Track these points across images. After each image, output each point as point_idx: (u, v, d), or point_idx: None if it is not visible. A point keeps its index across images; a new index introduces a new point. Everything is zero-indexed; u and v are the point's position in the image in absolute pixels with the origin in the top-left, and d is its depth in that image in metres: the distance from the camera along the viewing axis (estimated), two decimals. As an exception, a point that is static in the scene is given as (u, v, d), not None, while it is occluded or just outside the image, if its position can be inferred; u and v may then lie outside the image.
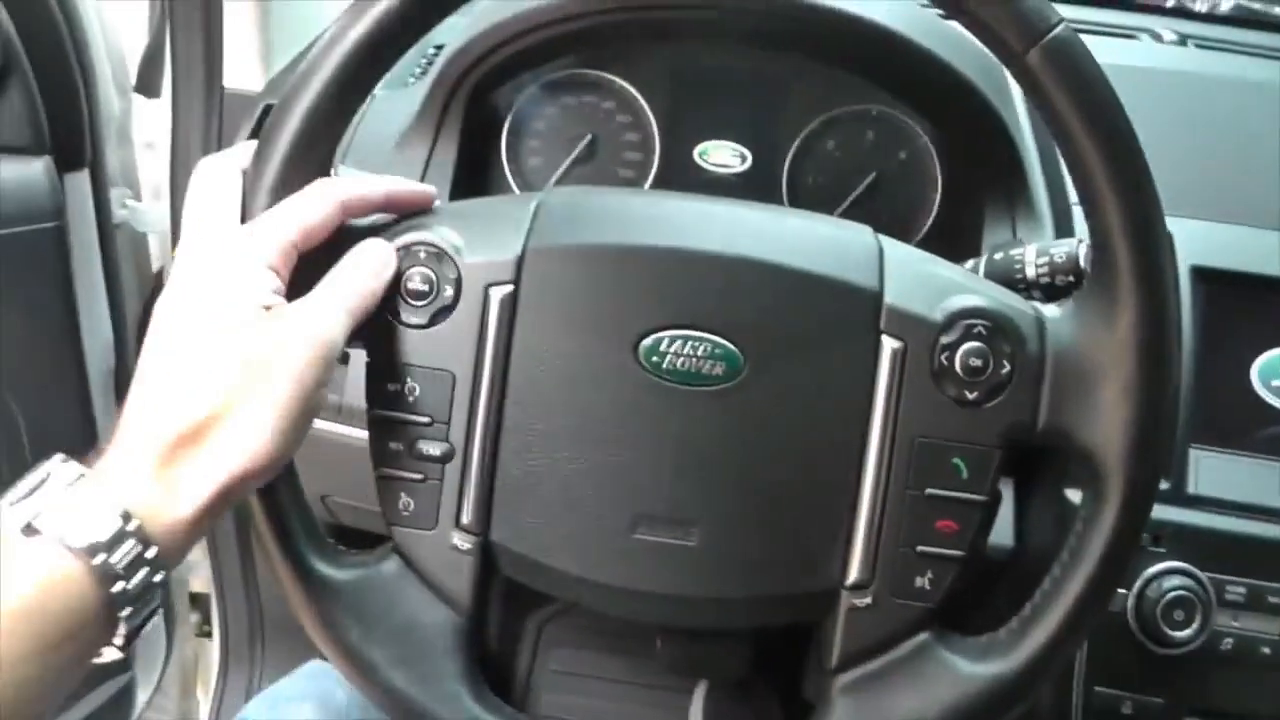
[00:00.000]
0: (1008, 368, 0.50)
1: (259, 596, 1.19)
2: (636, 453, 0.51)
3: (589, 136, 0.82)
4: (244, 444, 0.45)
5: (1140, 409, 0.49)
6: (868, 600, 0.51)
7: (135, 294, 1.16)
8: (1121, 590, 0.71)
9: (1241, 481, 0.73)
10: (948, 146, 0.81)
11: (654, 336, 0.50)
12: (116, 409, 1.12)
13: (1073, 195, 0.76)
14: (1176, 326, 0.51)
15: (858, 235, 0.53)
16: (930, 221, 0.82)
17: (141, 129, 1.16)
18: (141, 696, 1.16)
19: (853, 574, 0.51)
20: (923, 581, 0.51)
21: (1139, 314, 0.48)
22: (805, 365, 0.51)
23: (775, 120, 0.83)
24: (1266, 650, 0.71)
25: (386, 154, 0.80)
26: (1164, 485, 0.72)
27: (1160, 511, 0.71)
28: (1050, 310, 0.52)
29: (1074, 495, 0.71)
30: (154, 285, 1.21)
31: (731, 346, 0.50)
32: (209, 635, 1.26)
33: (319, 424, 0.82)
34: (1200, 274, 0.74)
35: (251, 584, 1.17)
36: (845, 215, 0.81)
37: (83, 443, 1.03)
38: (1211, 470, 0.73)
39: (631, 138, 0.83)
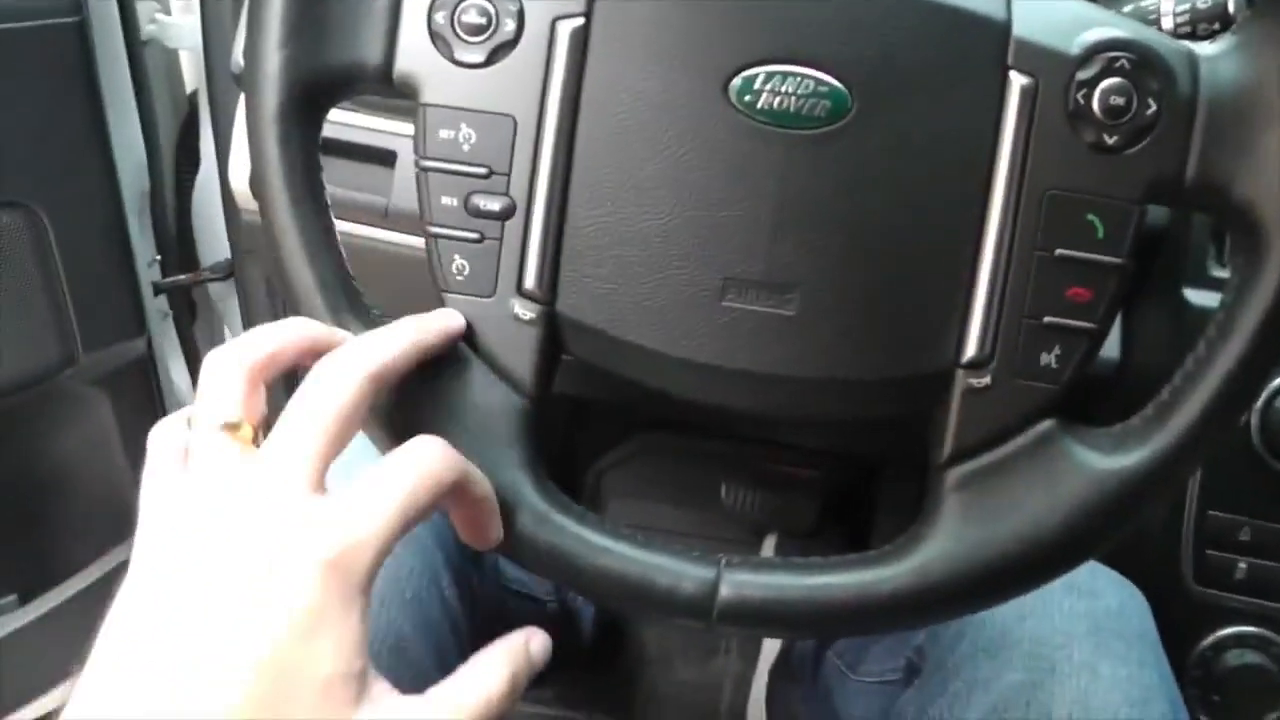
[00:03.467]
0: (1154, 107, 0.43)
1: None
2: (727, 205, 0.44)
3: None
4: None
5: None
6: (986, 380, 0.44)
7: (170, 115, 1.11)
8: (1244, 400, 0.65)
9: None
10: None
11: (748, 73, 0.43)
12: (150, 235, 1.09)
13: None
14: None
15: None
16: None
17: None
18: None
19: (970, 349, 0.44)
20: (1049, 359, 0.44)
21: None
22: (921, 106, 0.44)
23: None
24: (1399, 468, 0.65)
25: None
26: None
27: (1291, 315, 0.65)
28: (1205, 46, 0.45)
29: (1196, 295, 0.64)
30: (189, 108, 1.15)
31: (836, 83, 0.43)
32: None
33: (364, 231, 0.77)
34: None
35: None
36: None
37: (116, 267, 1.02)
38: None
39: None
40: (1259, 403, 0.64)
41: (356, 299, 0.48)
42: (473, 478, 0.40)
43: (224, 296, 1.17)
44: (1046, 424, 0.45)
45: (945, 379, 0.45)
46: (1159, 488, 0.44)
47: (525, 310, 0.46)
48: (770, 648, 1.04)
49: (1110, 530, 0.44)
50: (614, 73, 0.45)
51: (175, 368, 1.13)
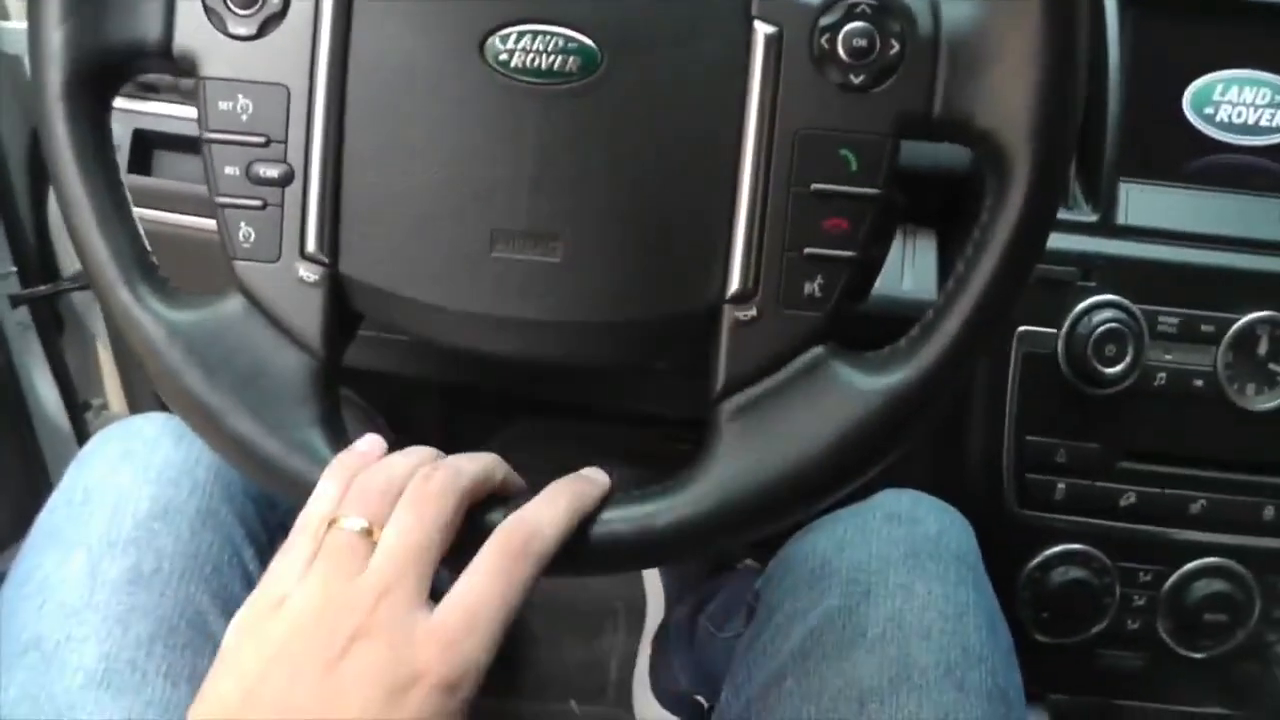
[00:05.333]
0: (897, 47, 0.45)
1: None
2: (489, 161, 0.46)
3: None
4: None
5: (1045, 80, 0.44)
6: (752, 313, 0.47)
7: (20, 121, 1.09)
8: (1051, 329, 0.68)
9: (1173, 210, 0.69)
10: None
11: (501, 32, 0.45)
12: (4, 245, 1.07)
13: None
14: None
15: None
16: None
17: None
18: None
19: (734, 284, 0.46)
20: (812, 288, 0.46)
21: None
22: (669, 57, 0.46)
23: None
24: (1199, 383, 0.69)
25: None
26: (1092, 217, 0.68)
27: (1089, 244, 0.68)
28: None
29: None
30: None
31: (586, 39, 0.45)
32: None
33: (195, 222, 0.77)
34: (1129, 0, 0.69)
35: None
36: None
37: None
38: (1142, 201, 0.69)
39: None
40: (1064, 329, 0.67)
41: (151, 271, 0.48)
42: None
43: (88, 305, 1.15)
44: (816, 351, 0.47)
45: (713, 314, 0.47)
46: (924, 403, 0.46)
47: (309, 273, 0.47)
48: (652, 620, 1.06)
49: (881, 448, 0.47)
50: (378, 38, 0.46)
51: (41, 380, 1.11)
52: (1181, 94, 0.71)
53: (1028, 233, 0.46)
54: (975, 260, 0.46)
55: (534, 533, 0.43)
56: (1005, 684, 0.56)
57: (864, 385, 0.46)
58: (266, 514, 0.62)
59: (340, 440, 0.48)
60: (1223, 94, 0.71)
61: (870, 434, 0.46)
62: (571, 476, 0.46)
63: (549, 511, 0.44)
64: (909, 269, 0.69)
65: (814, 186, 0.46)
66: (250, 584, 0.59)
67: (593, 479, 0.47)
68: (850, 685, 0.53)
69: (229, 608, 0.56)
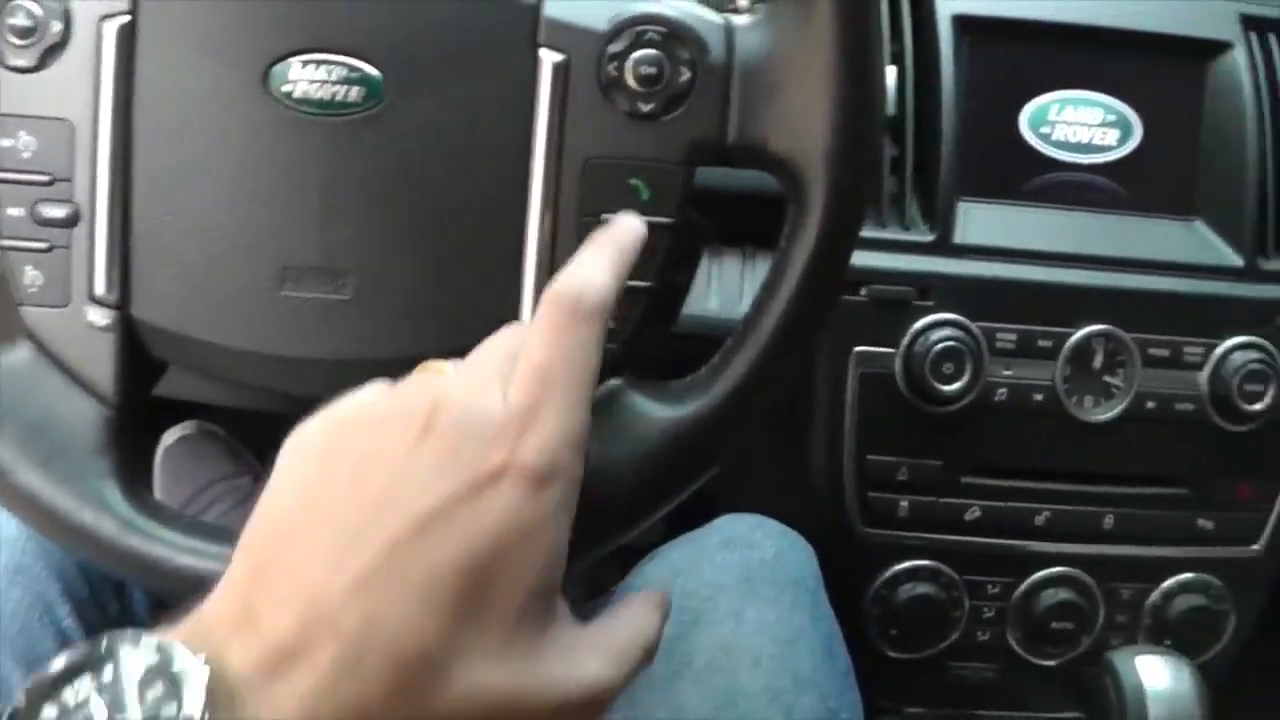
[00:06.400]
0: (687, 74, 0.45)
1: None
2: (277, 196, 0.45)
3: None
4: None
5: (839, 104, 0.45)
6: None
7: None
8: (889, 349, 0.69)
9: (1009, 228, 0.71)
10: None
11: (284, 63, 0.44)
12: None
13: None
14: (876, 14, 0.46)
15: None
16: None
17: None
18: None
19: (525, 317, 0.46)
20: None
21: (833, 3, 0.44)
22: (455, 86, 0.45)
23: None
24: (1039, 397, 0.70)
25: None
26: (929, 237, 0.69)
27: (926, 263, 0.69)
28: (740, 18, 0.47)
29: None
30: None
31: (369, 69, 0.44)
32: None
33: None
34: (962, 23, 0.71)
35: None
36: None
37: None
38: (979, 220, 0.71)
39: None
40: (901, 348, 0.68)
41: None
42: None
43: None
44: (613, 383, 0.46)
45: None
46: (725, 430, 0.46)
47: (100, 317, 0.46)
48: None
49: (684, 476, 0.46)
50: (162, 70, 0.45)
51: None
52: (1018, 114, 0.72)
53: (826, 257, 0.46)
54: (774, 286, 0.46)
55: (584, 289, 0.38)
56: (838, 707, 0.56)
57: (665, 415, 0.46)
58: (88, 566, 0.60)
59: (139, 493, 0.46)
60: (1058, 114, 0.73)
61: (673, 464, 0.46)
62: (610, 224, 0.43)
63: (593, 262, 0.40)
64: (748, 290, 0.69)
65: (604, 216, 0.45)
66: (64, 642, 0.57)
67: (629, 224, 0.43)
68: (675, 717, 0.53)
69: (36, 670, 0.54)
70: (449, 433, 0.35)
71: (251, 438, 1.16)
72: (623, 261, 0.41)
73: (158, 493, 1.12)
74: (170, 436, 1.14)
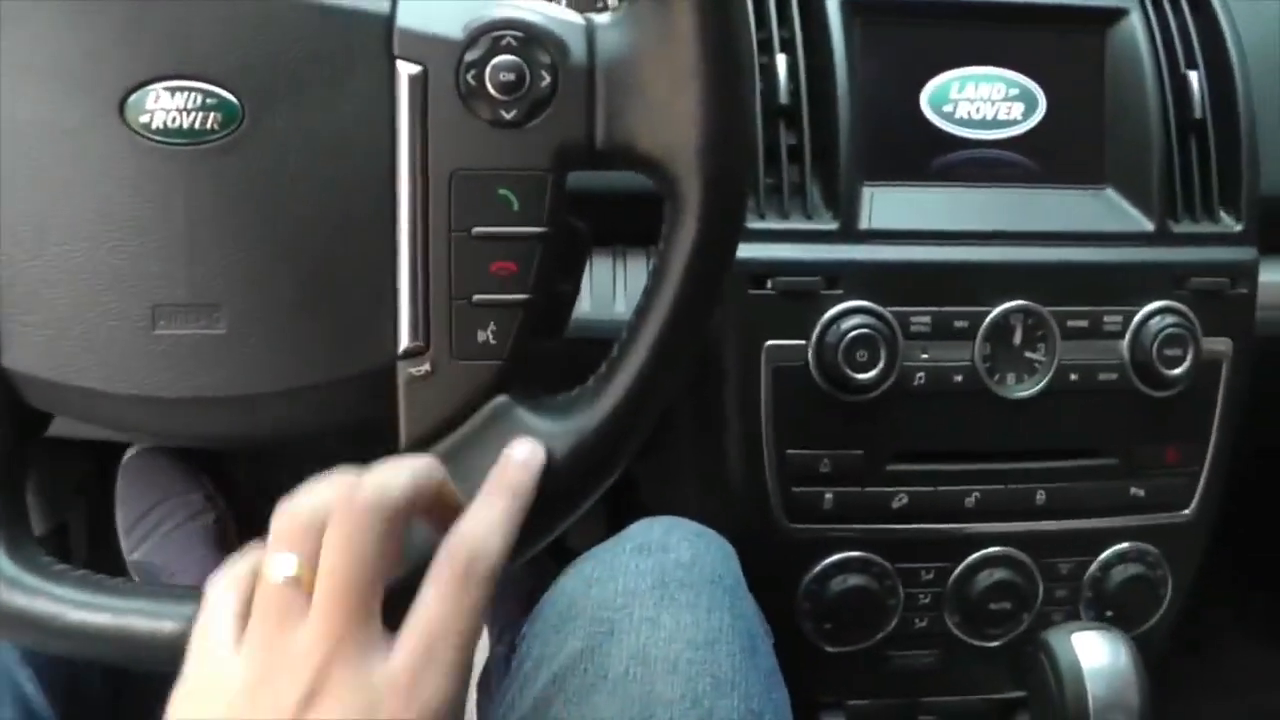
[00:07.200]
0: (548, 79, 0.44)
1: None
2: (142, 231, 0.44)
3: None
4: None
5: (704, 98, 0.44)
6: (426, 368, 0.45)
7: None
8: (799, 341, 0.68)
9: (918, 210, 0.70)
10: None
11: (139, 92, 0.43)
12: None
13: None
14: (739, 3, 0.46)
15: None
16: None
17: None
18: None
19: (404, 339, 0.45)
20: (485, 335, 0.45)
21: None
22: (314, 105, 0.44)
23: None
24: (959, 378, 0.69)
25: None
26: (833, 225, 0.68)
27: (832, 251, 0.68)
28: (600, 17, 0.46)
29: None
30: None
31: (225, 93, 0.43)
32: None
33: None
34: (853, 6, 0.70)
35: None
36: None
37: None
38: (886, 204, 0.70)
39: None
40: (812, 339, 0.67)
41: None
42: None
43: None
44: (499, 400, 0.45)
45: (389, 373, 0.45)
46: (617, 442, 0.46)
47: None
48: (480, 661, 1.04)
49: (580, 490, 0.46)
50: (21, 102, 0.44)
51: None
52: (919, 94, 0.71)
53: (706, 255, 0.45)
54: (655, 290, 0.45)
55: (475, 553, 0.40)
56: (761, 708, 0.55)
57: (553, 430, 0.45)
58: None
59: (21, 549, 0.45)
60: (960, 91, 0.72)
61: (565, 478, 0.45)
62: (503, 463, 0.44)
63: (487, 519, 0.41)
64: (621, 291, 0.68)
65: (475, 230, 0.45)
66: (28, 709, 0.55)
67: (526, 463, 0.44)
68: (590, 731, 0.52)
69: None
70: (331, 709, 0.36)
71: (204, 454, 1.16)
72: (517, 508, 0.42)
73: (117, 508, 1.13)
74: (129, 452, 1.15)
